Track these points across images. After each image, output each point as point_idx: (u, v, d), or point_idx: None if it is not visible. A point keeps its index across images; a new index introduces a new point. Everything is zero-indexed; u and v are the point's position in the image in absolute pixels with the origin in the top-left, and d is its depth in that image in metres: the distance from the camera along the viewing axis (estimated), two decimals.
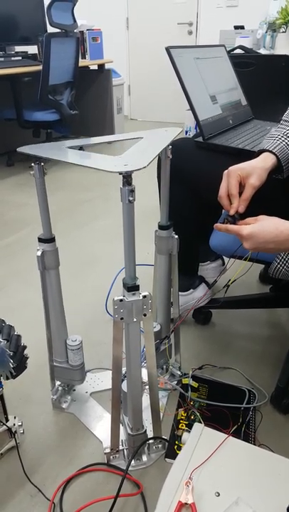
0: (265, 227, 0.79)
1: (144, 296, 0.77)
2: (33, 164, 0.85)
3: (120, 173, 0.67)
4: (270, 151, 0.90)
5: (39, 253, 0.93)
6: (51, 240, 0.94)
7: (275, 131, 0.96)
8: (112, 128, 3.98)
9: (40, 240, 0.94)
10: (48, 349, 1.04)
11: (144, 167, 0.66)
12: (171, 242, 1.01)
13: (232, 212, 0.86)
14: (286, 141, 0.91)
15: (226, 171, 0.89)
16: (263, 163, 0.89)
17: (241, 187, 0.87)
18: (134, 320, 0.79)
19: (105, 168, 0.68)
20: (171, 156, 0.93)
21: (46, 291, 0.98)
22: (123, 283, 0.77)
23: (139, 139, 0.88)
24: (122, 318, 0.79)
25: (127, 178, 0.68)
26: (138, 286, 0.77)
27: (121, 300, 0.77)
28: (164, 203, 0.99)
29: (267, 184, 0.89)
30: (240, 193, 0.87)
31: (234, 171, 0.87)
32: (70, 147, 0.85)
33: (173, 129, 0.93)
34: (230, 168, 0.88)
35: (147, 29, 4.69)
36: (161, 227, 1.00)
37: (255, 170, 0.87)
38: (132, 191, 0.70)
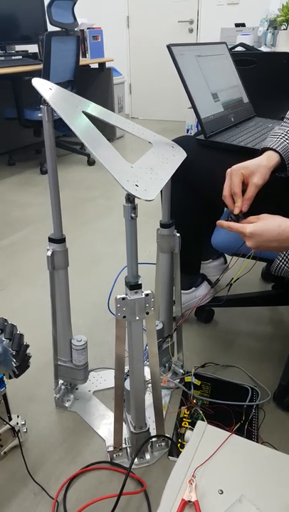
0: (268, 225, 0.79)
1: (147, 295, 0.77)
2: (41, 106, 0.78)
3: (129, 194, 0.66)
4: (274, 150, 0.90)
5: (49, 253, 0.93)
6: (62, 240, 0.94)
7: (279, 129, 0.95)
8: (113, 127, 3.97)
9: (50, 239, 0.94)
10: (54, 348, 1.05)
11: (152, 200, 0.65)
12: (173, 241, 1.01)
13: (236, 211, 0.86)
14: None
15: (229, 170, 0.88)
16: (267, 161, 0.88)
17: (244, 185, 0.87)
18: (137, 318, 0.79)
19: (119, 180, 0.65)
20: None
21: (54, 291, 0.98)
22: (125, 281, 0.77)
23: (149, 145, 0.86)
24: (124, 317, 0.79)
25: (131, 196, 0.68)
26: (140, 284, 0.77)
27: (123, 298, 0.77)
28: (166, 201, 0.99)
29: (270, 182, 0.88)
30: (244, 192, 0.87)
31: (237, 170, 0.87)
32: (85, 113, 0.77)
33: (179, 151, 0.90)
34: (234, 166, 0.88)
35: (148, 27, 4.68)
36: (163, 226, 1.00)
37: (259, 169, 0.86)
38: (135, 208, 0.70)
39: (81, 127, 0.72)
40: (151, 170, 0.74)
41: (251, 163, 0.88)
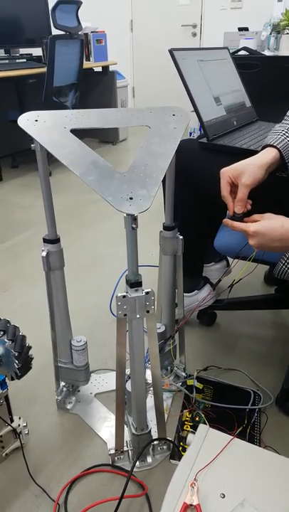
0: (272, 225, 0.80)
1: (147, 293, 0.77)
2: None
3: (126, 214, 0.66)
4: (273, 146, 0.89)
5: (44, 254, 0.93)
6: (56, 240, 0.94)
7: (279, 126, 0.94)
8: (116, 130, 3.99)
9: (45, 240, 0.94)
10: (53, 350, 1.05)
11: (147, 209, 0.64)
12: (176, 243, 1.01)
13: (230, 213, 0.86)
14: None
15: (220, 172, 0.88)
16: (259, 159, 0.87)
17: (236, 187, 0.87)
18: (138, 316, 0.79)
19: (112, 202, 0.64)
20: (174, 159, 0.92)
21: (51, 292, 0.99)
22: (126, 279, 0.77)
23: (145, 128, 0.83)
24: (125, 315, 0.79)
25: None
26: (140, 282, 0.77)
27: (124, 296, 0.77)
28: (169, 203, 0.99)
29: (272, 183, 0.88)
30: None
31: (224, 172, 0.86)
32: (74, 131, 0.77)
33: (180, 117, 0.85)
34: (222, 169, 0.87)
35: (151, 31, 4.70)
36: (165, 228, 1.00)
37: (248, 168, 0.85)
38: (135, 219, 0.70)
39: (70, 157, 0.71)
40: (146, 167, 0.72)
41: (240, 163, 0.86)
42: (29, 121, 0.78)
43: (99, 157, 0.73)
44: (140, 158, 0.75)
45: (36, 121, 0.79)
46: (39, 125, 0.78)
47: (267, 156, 0.87)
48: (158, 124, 0.84)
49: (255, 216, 0.84)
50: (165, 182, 0.99)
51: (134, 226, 0.71)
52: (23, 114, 0.79)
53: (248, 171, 0.84)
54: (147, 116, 0.87)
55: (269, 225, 0.80)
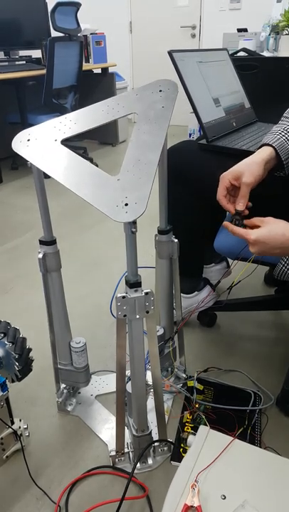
0: (272, 232, 0.79)
1: (147, 293, 0.77)
2: None
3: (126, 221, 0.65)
4: (269, 144, 0.90)
5: (40, 255, 0.94)
6: (52, 242, 0.94)
7: (276, 127, 0.96)
8: (116, 131, 3.99)
9: (41, 242, 0.94)
10: (52, 352, 1.05)
11: (144, 211, 0.64)
12: (172, 247, 1.00)
13: (231, 212, 0.88)
14: (286, 135, 0.91)
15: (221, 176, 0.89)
16: (256, 157, 0.88)
17: (236, 190, 0.88)
18: (137, 317, 0.79)
19: (108, 214, 0.64)
20: (166, 158, 0.92)
21: (49, 294, 0.99)
22: (125, 280, 0.77)
23: (132, 114, 0.80)
24: (124, 316, 0.79)
25: None
26: (140, 283, 0.77)
27: (123, 297, 0.77)
28: (163, 207, 0.98)
29: (272, 182, 0.88)
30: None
31: (224, 177, 0.88)
32: (65, 141, 0.76)
33: (168, 91, 0.82)
34: (222, 174, 0.89)
35: (151, 33, 4.71)
36: (160, 232, 0.99)
37: (247, 168, 0.87)
38: (135, 223, 0.70)
39: (63, 173, 0.70)
40: (137, 163, 0.70)
41: (239, 165, 0.88)
42: (22, 143, 0.76)
43: (92, 166, 0.71)
44: (131, 155, 0.72)
45: (28, 140, 0.76)
46: (31, 144, 0.76)
47: (263, 153, 0.89)
48: (145, 108, 0.81)
49: (256, 221, 0.84)
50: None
51: (133, 230, 0.71)
52: (16, 136, 0.77)
53: (247, 170, 0.86)
54: (134, 101, 0.83)
55: (269, 233, 0.80)
